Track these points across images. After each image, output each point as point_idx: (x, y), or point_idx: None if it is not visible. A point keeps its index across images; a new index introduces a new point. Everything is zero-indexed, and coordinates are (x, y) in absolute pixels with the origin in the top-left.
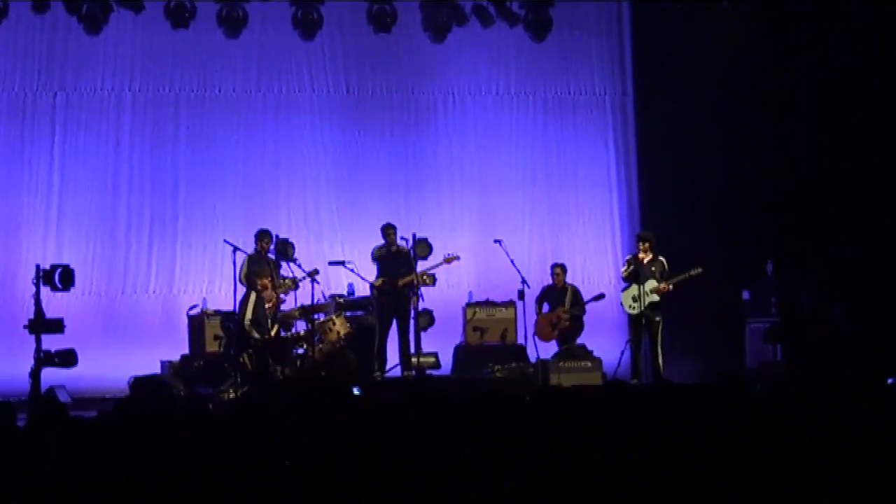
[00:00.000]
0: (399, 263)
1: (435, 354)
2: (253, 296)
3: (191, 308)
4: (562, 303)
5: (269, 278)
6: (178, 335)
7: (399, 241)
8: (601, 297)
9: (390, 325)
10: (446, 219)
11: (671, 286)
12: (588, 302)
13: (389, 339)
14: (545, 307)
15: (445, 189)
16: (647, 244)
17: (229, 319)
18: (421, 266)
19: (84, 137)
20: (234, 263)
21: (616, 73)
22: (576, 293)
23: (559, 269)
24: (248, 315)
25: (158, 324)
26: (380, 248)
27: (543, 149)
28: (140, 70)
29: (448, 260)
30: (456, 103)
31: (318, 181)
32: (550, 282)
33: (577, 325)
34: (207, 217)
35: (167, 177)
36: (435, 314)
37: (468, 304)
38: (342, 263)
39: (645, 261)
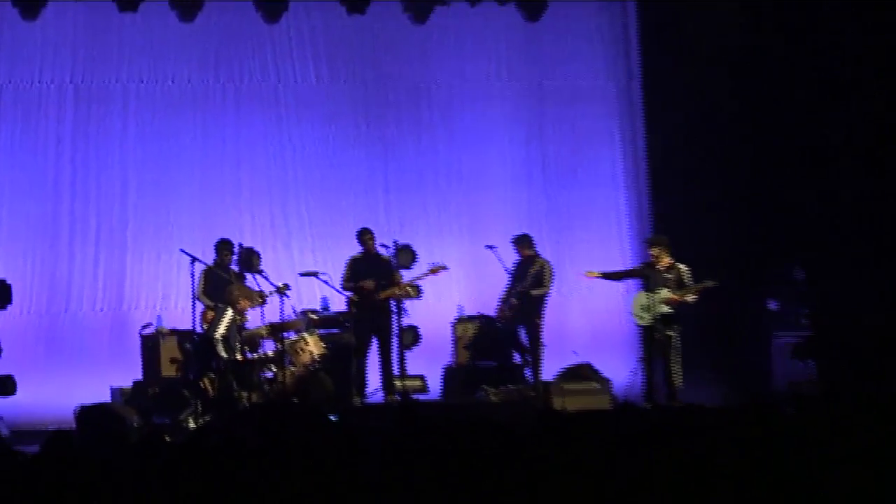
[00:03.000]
0: (378, 273)
1: (421, 377)
2: (229, 311)
3: (144, 327)
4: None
5: (249, 300)
6: (130, 358)
7: (378, 248)
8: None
9: (370, 343)
10: (431, 223)
11: (683, 298)
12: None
13: (369, 360)
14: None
15: (430, 189)
16: (657, 249)
17: (188, 339)
18: (404, 277)
19: (21, 135)
20: (193, 276)
21: (620, 54)
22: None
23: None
24: (221, 329)
25: (107, 345)
26: (356, 257)
27: (540, 142)
28: (83, 59)
29: (434, 270)
30: (441, 92)
31: (286, 182)
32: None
33: (527, 302)
34: (161, 224)
35: (115, 179)
36: (421, 331)
37: (458, 320)
38: (315, 275)
39: (659, 268)
